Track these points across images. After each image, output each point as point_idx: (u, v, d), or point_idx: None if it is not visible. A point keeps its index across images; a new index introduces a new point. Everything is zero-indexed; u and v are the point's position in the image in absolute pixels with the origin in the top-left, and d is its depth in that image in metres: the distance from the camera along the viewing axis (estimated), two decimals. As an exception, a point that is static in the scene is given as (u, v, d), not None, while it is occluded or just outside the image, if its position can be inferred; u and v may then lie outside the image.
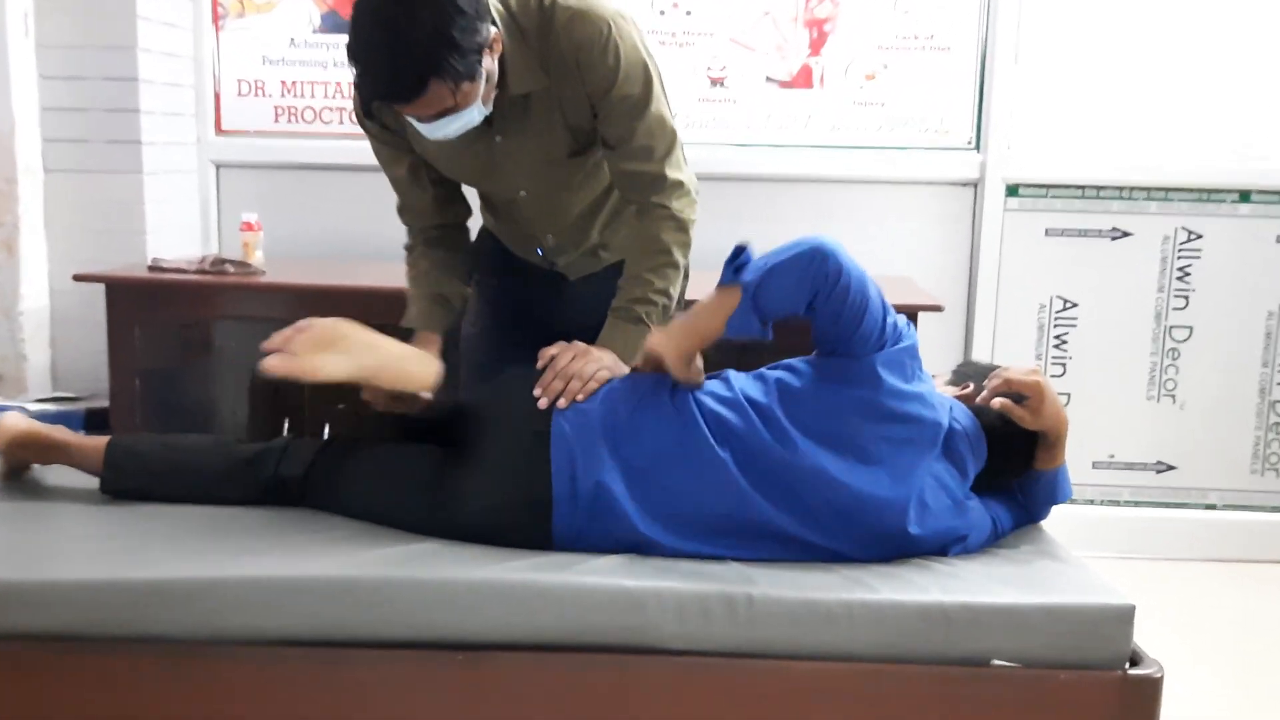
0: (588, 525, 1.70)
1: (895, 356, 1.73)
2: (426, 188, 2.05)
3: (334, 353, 1.72)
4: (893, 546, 1.73)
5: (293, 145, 3.23)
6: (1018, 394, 1.82)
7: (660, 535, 1.70)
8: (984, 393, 1.85)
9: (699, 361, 1.77)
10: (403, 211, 2.10)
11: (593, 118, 1.92)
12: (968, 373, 1.99)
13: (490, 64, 1.76)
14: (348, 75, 3.19)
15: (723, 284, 1.70)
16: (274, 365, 1.69)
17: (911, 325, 1.80)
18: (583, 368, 1.78)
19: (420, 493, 1.76)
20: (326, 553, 1.66)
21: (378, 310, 2.73)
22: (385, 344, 1.79)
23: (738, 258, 1.69)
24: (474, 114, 1.77)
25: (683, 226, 1.96)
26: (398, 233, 3.21)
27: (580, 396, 1.75)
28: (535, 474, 1.69)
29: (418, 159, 2.02)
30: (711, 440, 1.71)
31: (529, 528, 1.70)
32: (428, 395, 1.85)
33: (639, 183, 1.94)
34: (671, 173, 1.94)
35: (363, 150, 3.22)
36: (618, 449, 1.71)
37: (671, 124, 1.95)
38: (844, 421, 1.71)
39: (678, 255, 1.96)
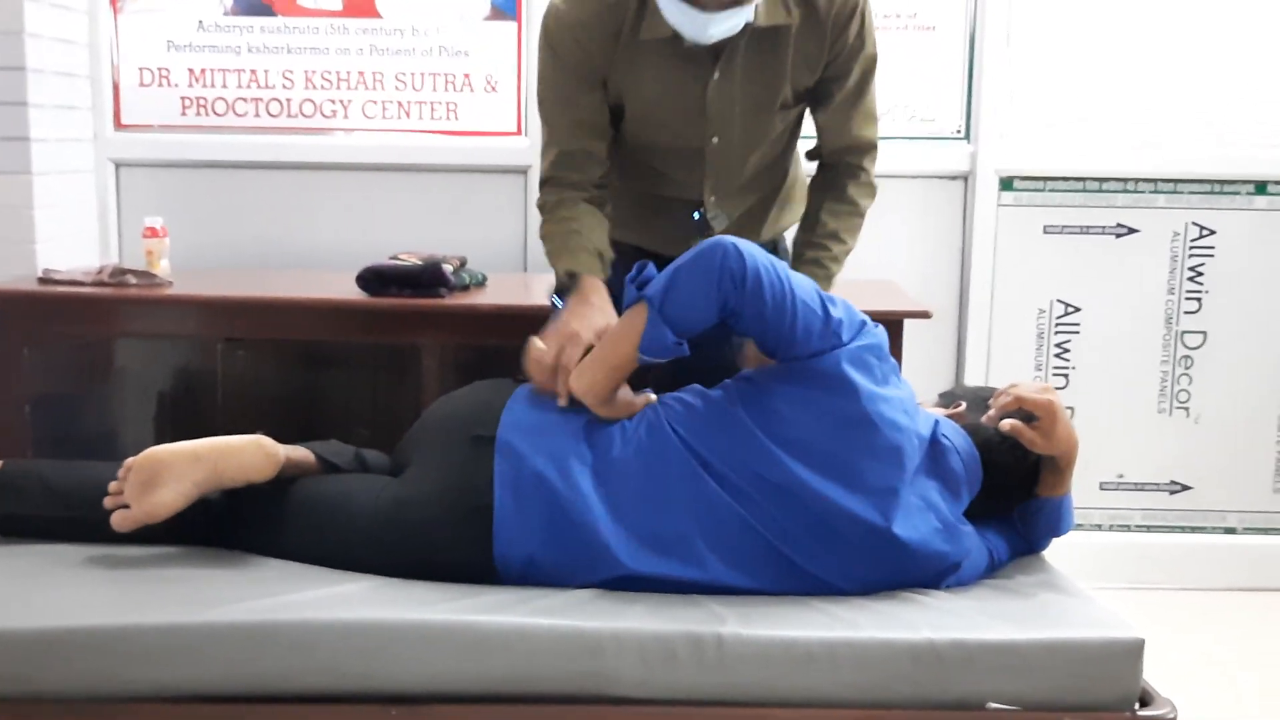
0: (540, 536, 1.72)
1: (858, 355, 1.77)
2: (604, 133, 2.14)
3: (163, 484, 1.80)
4: (879, 563, 1.74)
5: (202, 141, 3.22)
6: (1028, 414, 1.85)
7: (624, 547, 1.71)
8: (991, 411, 1.87)
9: (626, 392, 1.82)
10: (561, 164, 2.14)
11: (817, 75, 2.13)
12: (957, 394, 2.03)
13: None
14: (263, 62, 3.22)
15: (627, 304, 1.78)
16: (120, 523, 1.80)
17: (877, 325, 1.85)
18: (570, 359, 1.86)
19: (356, 515, 1.80)
20: (246, 595, 1.66)
21: (300, 324, 2.75)
22: (208, 450, 1.83)
23: (639, 274, 1.76)
24: (746, 14, 1.97)
25: (872, 194, 2.25)
26: (321, 238, 3.24)
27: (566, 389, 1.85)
28: (477, 476, 1.73)
29: (604, 96, 2.12)
30: (683, 450, 1.75)
31: (469, 543, 1.73)
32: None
33: (856, 146, 2.22)
34: (877, 141, 2.24)
35: (283, 146, 3.27)
36: (578, 452, 1.76)
37: None
38: (814, 429, 1.74)
39: (861, 221, 2.24)
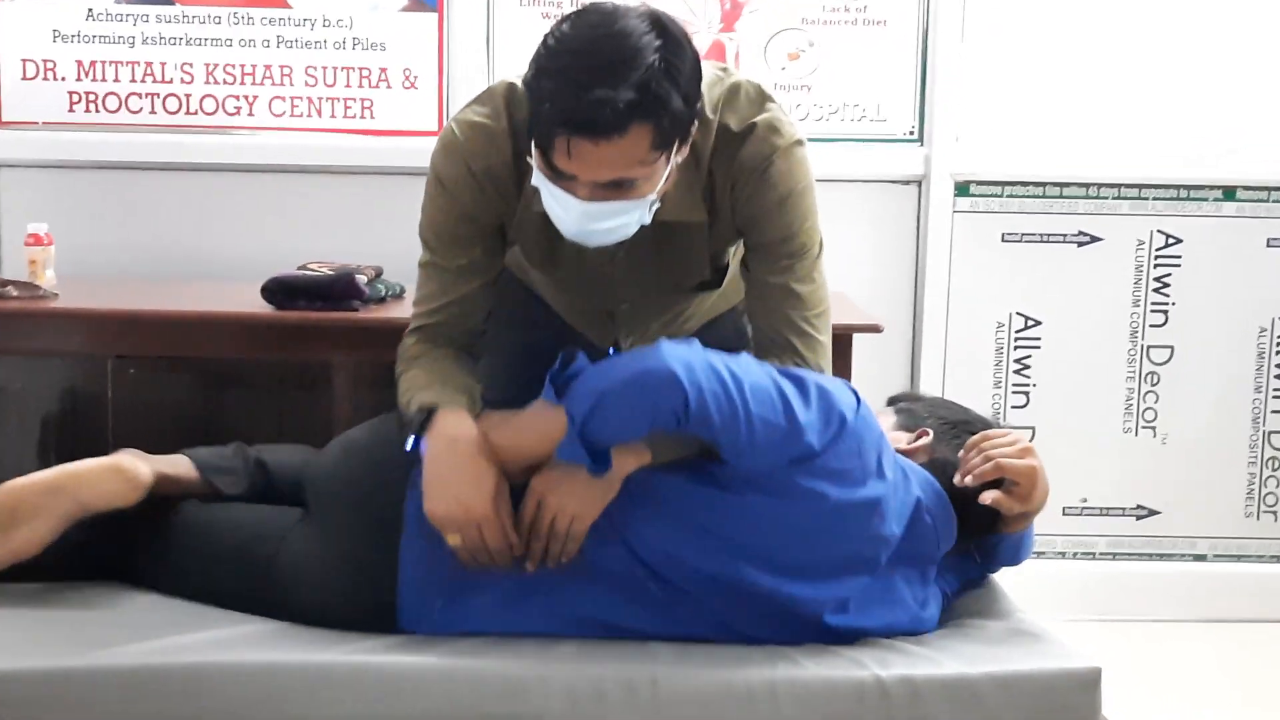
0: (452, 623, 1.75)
1: (826, 465, 1.72)
2: (496, 280, 2.00)
3: (23, 521, 1.80)
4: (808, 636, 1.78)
5: (92, 140, 3.19)
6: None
7: (544, 628, 1.74)
8: (967, 478, 1.85)
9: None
10: (443, 313, 1.97)
11: (735, 241, 2.01)
12: (919, 414, 2.03)
13: (675, 163, 1.78)
14: (160, 54, 3.20)
15: (547, 399, 1.73)
16: None
17: (849, 394, 1.78)
18: (561, 526, 1.77)
19: (253, 566, 1.82)
20: (133, 637, 1.65)
21: (199, 341, 2.73)
22: (67, 479, 1.84)
23: (564, 366, 1.73)
24: (637, 215, 1.78)
25: (824, 355, 1.99)
26: (222, 246, 3.21)
27: (564, 558, 1.76)
28: (379, 574, 1.75)
29: (502, 242, 1.98)
30: (621, 548, 1.75)
31: (372, 625, 1.77)
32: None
33: (783, 333, 1.96)
34: (820, 335, 1.98)
35: (181, 146, 3.25)
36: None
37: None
38: (772, 536, 1.74)
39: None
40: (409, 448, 1.78)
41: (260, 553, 1.82)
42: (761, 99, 1.91)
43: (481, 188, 1.88)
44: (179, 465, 1.95)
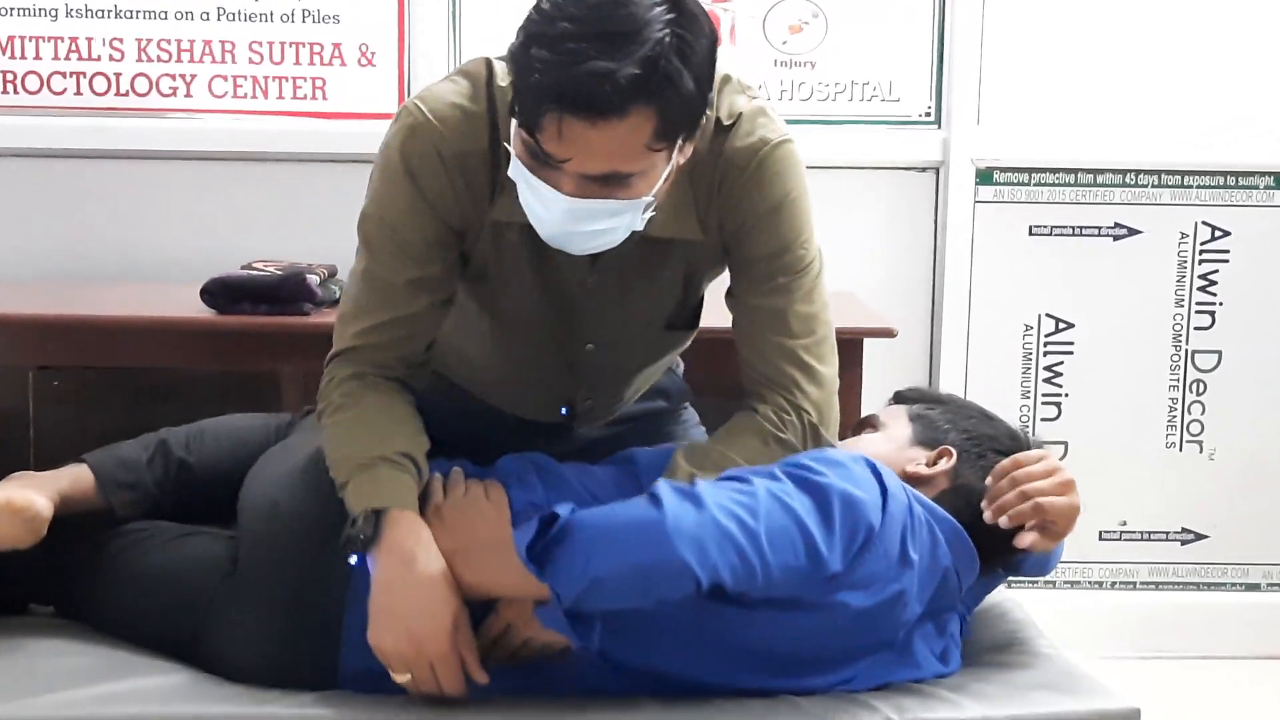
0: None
1: (850, 579, 1.70)
2: (449, 301, 1.91)
3: None
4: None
5: (10, 124, 3.17)
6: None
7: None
8: (999, 516, 1.82)
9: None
10: (383, 333, 1.87)
11: (718, 267, 1.97)
12: (934, 423, 1.97)
13: (677, 163, 1.73)
14: (86, 28, 3.19)
15: (524, 563, 1.65)
16: None
17: (872, 485, 1.73)
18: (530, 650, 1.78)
19: (175, 632, 1.86)
20: (49, 685, 1.69)
21: (131, 349, 2.72)
22: None
23: (540, 535, 1.64)
24: (628, 219, 1.72)
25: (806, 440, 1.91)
26: (157, 243, 3.20)
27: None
28: (319, 633, 1.78)
29: (454, 263, 1.90)
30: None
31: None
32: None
33: (778, 379, 1.91)
34: (822, 366, 1.91)
35: (110, 131, 3.23)
36: None
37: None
38: (787, 644, 1.74)
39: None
40: (353, 563, 1.74)
41: (185, 623, 1.84)
42: (744, 88, 1.88)
43: (452, 179, 1.80)
44: (80, 480, 1.96)
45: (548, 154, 1.62)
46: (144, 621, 1.88)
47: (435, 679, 1.69)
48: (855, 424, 2.08)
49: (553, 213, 1.68)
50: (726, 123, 1.83)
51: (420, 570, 1.70)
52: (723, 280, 2.00)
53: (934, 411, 2.01)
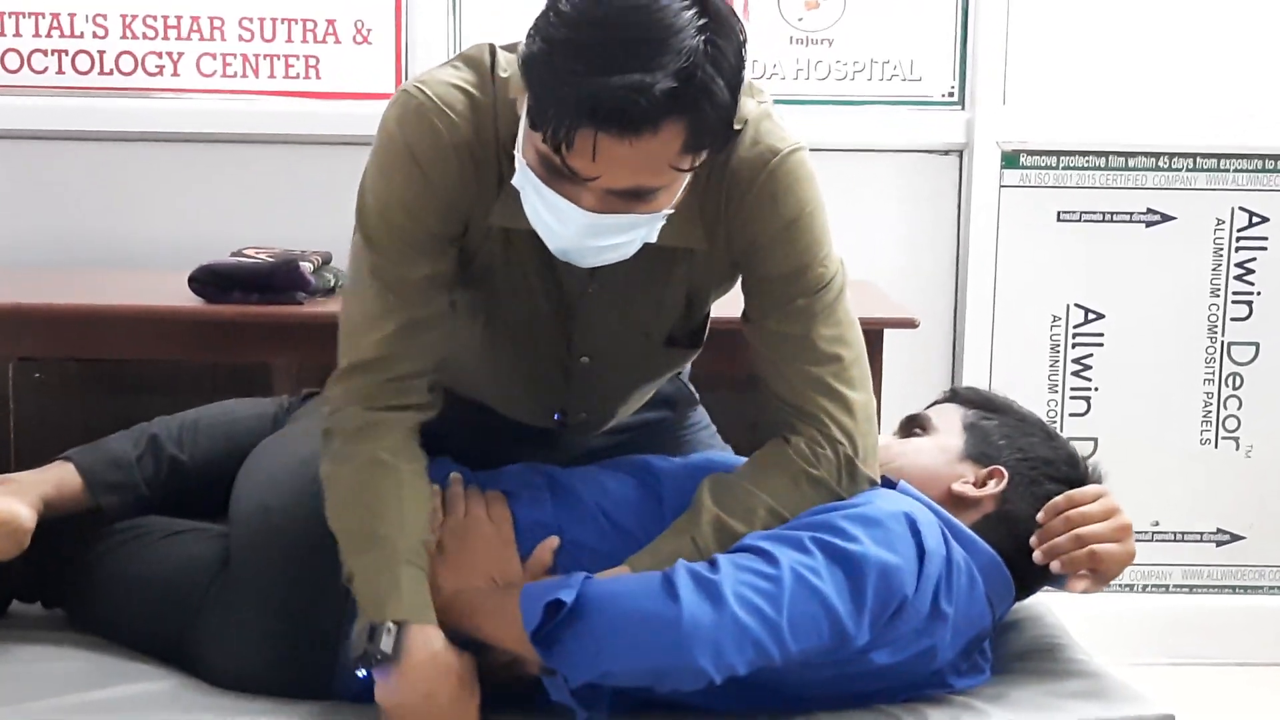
0: None
1: (880, 641, 1.69)
2: (449, 318, 1.86)
3: None
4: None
5: (-9, 105, 3.19)
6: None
7: None
8: (1052, 559, 1.80)
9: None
10: (400, 341, 1.80)
11: (724, 283, 1.93)
12: (989, 437, 1.92)
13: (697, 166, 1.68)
14: (68, 4, 3.17)
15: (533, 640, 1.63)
16: None
17: (908, 546, 1.70)
18: None
19: (165, 630, 1.88)
20: (34, 692, 1.70)
21: (115, 340, 2.72)
22: None
23: (543, 623, 1.60)
24: (644, 231, 1.68)
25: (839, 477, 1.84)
26: (143, 229, 3.19)
27: None
28: (315, 635, 1.79)
29: (457, 261, 1.85)
30: None
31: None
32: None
33: (804, 407, 1.86)
34: (853, 392, 1.85)
35: (93, 112, 3.21)
36: None
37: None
38: (813, 684, 1.74)
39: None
40: (362, 675, 1.68)
41: (174, 624, 1.86)
42: (752, 91, 1.80)
43: (462, 167, 1.74)
44: (66, 482, 1.95)
45: (574, 170, 1.57)
46: (133, 621, 1.89)
47: None
48: (904, 421, 2.03)
49: (568, 227, 1.63)
50: (734, 128, 1.74)
51: (441, 703, 1.67)
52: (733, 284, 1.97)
53: (991, 422, 1.95)
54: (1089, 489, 1.84)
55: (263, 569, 1.84)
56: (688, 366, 2.26)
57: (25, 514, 1.85)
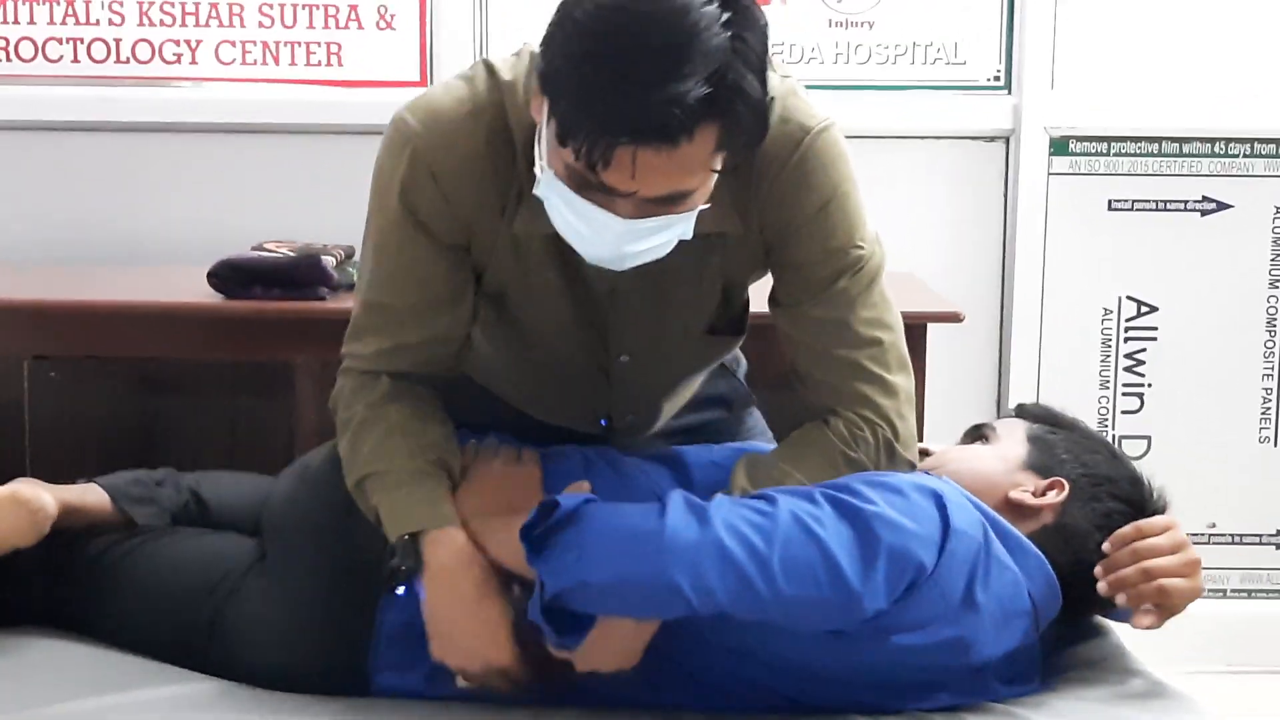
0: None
1: (899, 619, 1.69)
2: (465, 319, 1.91)
3: None
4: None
5: (3, 95, 3.19)
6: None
7: None
8: (1117, 592, 1.80)
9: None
10: (395, 358, 1.89)
11: (759, 269, 1.93)
12: (1053, 449, 1.92)
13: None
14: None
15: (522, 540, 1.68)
16: None
17: (932, 519, 1.70)
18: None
19: (190, 623, 1.89)
20: (65, 695, 1.70)
21: (133, 337, 2.73)
22: None
23: (545, 517, 1.66)
24: (680, 229, 1.68)
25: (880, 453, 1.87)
26: (161, 222, 3.21)
27: None
28: (351, 627, 1.81)
29: (469, 271, 1.90)
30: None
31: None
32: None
33: (845, 395, 1.87)
34: (892, 375, 1.87)
35: (110, 101, 3.24)
36: None
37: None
38: (830, 664, 1.74)
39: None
40: (399, 592, 1.78)
41: (204, 610, 1.88)
42: (770, 64, 1.75)
43: (449, 198, 1.79)
44: (88, 494, 1.98)
45: (611, 186, 1.58)
46: (160, 612, 1.90)
47: (507, 680, 1.74)
48: (968, 430, 2.05)
49: (604, 236, 1.65)
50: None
51: (467, 594, 1.74)
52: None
53: (1055, 436, 1.96)
54: (1157, 520, 1.84)
55: (294, 562, 1.87)
56: (743, 364, 2.27)
57: (49, 500, 1.89)
